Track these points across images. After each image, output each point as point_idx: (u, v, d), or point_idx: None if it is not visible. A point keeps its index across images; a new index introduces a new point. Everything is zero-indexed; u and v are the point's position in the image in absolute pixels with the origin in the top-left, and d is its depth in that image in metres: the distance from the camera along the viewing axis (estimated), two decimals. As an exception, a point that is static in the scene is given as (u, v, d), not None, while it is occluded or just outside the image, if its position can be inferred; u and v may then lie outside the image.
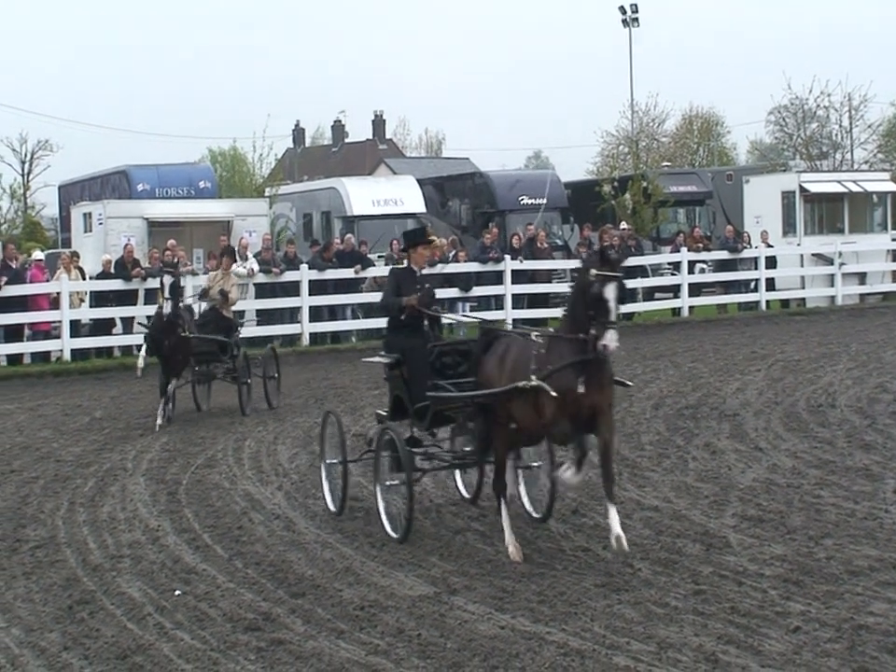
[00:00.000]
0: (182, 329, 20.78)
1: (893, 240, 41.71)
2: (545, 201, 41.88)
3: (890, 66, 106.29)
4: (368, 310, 32.66)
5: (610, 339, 10.70)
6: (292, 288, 31.77)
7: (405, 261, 14.15)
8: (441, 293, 32.93)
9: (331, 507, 13.86)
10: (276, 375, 22.84)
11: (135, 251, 32.03)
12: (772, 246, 38.48)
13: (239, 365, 21.90)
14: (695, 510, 13.39)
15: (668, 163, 66.33)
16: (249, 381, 22.02)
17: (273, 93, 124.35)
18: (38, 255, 33.06)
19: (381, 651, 9.33)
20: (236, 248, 31.82)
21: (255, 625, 9.99)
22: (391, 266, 14.96)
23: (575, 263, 34.96)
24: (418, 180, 42.44)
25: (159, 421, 20.22)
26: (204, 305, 22.89)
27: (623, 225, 40.20)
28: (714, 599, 10.21)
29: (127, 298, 30.51)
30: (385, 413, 13.83)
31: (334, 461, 14.00)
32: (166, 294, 20.56)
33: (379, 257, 35.16)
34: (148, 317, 23.32)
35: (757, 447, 16.66)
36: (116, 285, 30.64)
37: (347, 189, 40.53)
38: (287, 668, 9.02)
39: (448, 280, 33.00)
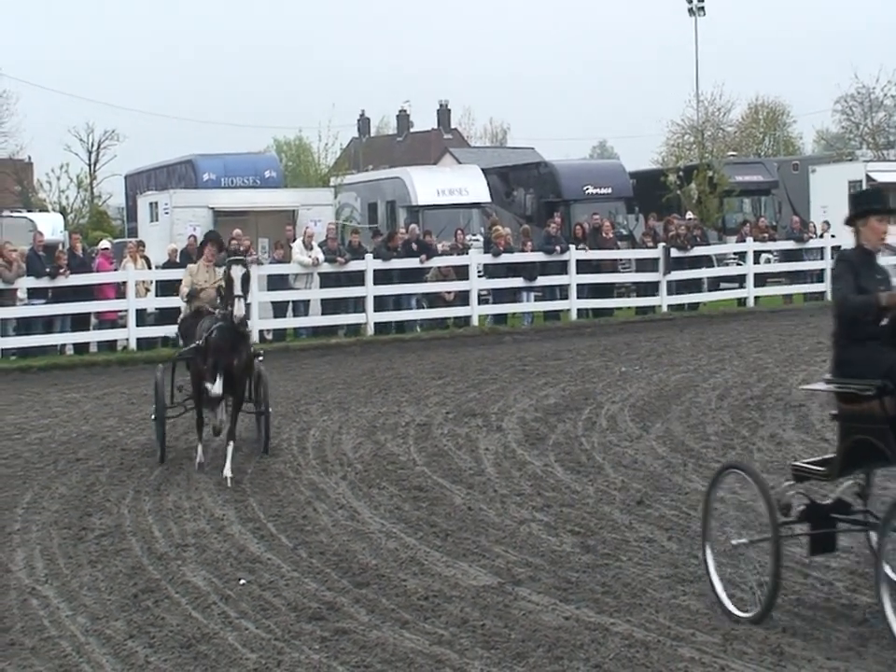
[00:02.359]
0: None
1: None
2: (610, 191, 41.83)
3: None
4: (432, 300, 32.71)
5: None
6: (357, 278, 31.82)
7: (854, 239, 9.96)
8: (506, 283, 33.07)
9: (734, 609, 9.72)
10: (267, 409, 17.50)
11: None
12: (833, 237, 38.13)
13: (261, 392, 17.42)
14: (761, 501, 13.26)
15: (734, 153, 66.01)
16: (270, 409, 17.57)
17: (338, 83, 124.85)
18: (105, 244, 33.32)
19: (445, 641, 9.33)
20: (302, 237, 32.02)
21: (319, 615, 10.01)
22: (840, 249, 9.55)
23: (641, 253, 35.15)
24: (483, 170, 42.45)
25: (199, 459, 16.37)
26: (185, 309, 18.37)
27: (689, 215, 40.02)
28: (781, 591, 10.12)
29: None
30: (822, 469, 9.92)
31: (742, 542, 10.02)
32: (237, 290, 15.64)
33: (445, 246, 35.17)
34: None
35: (822, 438, 16.52)
36: (181, 274, 30.75)
37: (412, 179, 40.58)
38: (351, 658, 9.03)
39: (513, 270, 33.00)
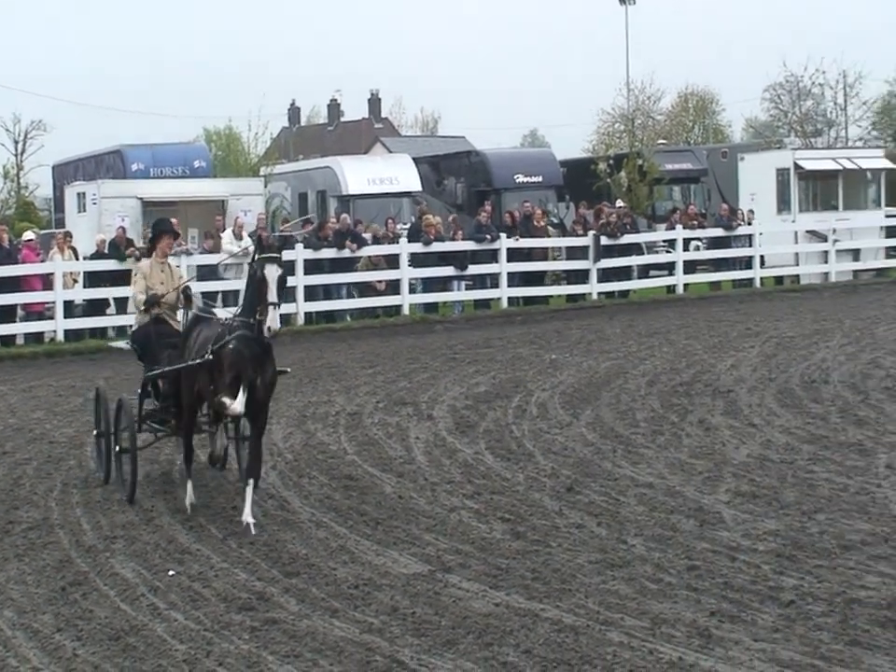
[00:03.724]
0: None
1: (887, 216, 41.72)
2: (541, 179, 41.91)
3: (885, 44, 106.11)
4: (363, 289, 32.62)
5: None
6: (287, 267, 31.61)
7: None
8: (437, 272, 33.06)
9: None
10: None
11: (129, 231, 31.95)
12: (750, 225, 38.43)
13: None
14: (689, 486, 13.41)
15: (664, 141, 66.27)
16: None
17: (268, 73, 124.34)
18: (29, 235, 32.95)
19: (375, 629, 9.34)
20: (232, 227, 31.84)
21: (248, 605, 9.99)
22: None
23: (571, 241, 35.30)
24: (414, 159, 42.38)
25: (190, 499, 13.53)
26: (139, 317, 15.29)
27: (619, 203, 40.17)
28: (707, 575, 10.23)
29: (121, 278, 30.40)
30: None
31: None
32: (272, 296, 12.48)
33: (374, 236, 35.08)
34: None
35: (751, 423, 16.67)
36: (109, 265, 30.54)
37: (343, 168, 40.47)
38: (281, 647, 9.01)
39: (443, 259, 32.99)
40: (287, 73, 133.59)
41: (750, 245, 37.83)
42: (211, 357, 12.85)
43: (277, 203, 43.04)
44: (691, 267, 37.33)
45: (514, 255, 33.85)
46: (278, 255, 12.85)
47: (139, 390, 14.79)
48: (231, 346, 12.71)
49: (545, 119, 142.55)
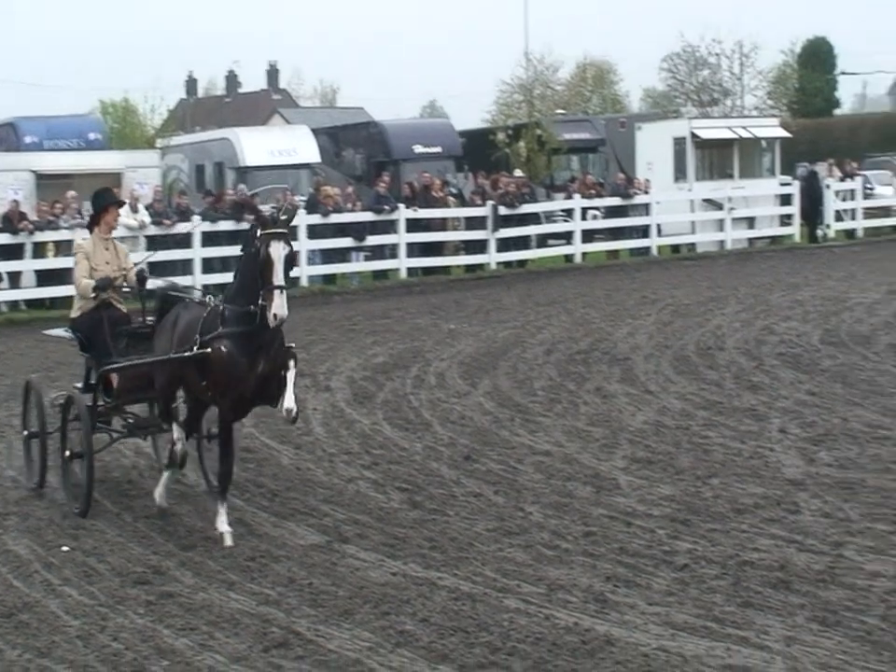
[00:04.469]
0: None
1: (781, 185, 42.21)
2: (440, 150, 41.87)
3: (780, 14, 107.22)
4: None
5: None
6: (184, 240, 31.40)
7: None
8: (335, 243, 32.95)
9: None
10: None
11: (23, 204, 31.49)
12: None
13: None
14: (586, 453, 13.50)
15: (562, 111, 66.43)
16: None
17: (165, 44, 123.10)
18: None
19: (272, 600, 9.32)
20: (128, 200, 31.53)
21: (144, 579, 9.93)
22: None
23: (470, 211, 35.32)
24: (312, 130, 42.14)
25: (163, 503, 12.05)
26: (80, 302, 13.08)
27: (518, 172, 40.23)
28: (603, 540, 10.32)
29: (13, 252, 30.01)
30: None
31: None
32: (278, 278, 10.77)
33: (273, 207, 34.83)
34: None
35: (647, 390, 16.81)
36: (2, 239, 30.11)
37: (240, 140, 40.13)
38: (177, 621, 8.97)
39: (342, 230, 32.88)
40: (184, 44, 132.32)
41: (647, 214, 38.07)
42: (197, 350, 11.24)
43: (174, 176, 42.62)
44: (588, 236, 37.47)
45: (413, 225, 33.80)
46: (285, 230, 11.07)
47: (80, 385, 13.02)
48: (224, 349, 11.06)
49: (444, 89, 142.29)
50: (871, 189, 44.84)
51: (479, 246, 34.97)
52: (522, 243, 36.09)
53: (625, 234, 38.27)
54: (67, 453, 12.40)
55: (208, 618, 9.01)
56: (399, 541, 10.60)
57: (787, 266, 33.92)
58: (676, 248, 39.52)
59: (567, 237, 37.38)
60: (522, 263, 35.96)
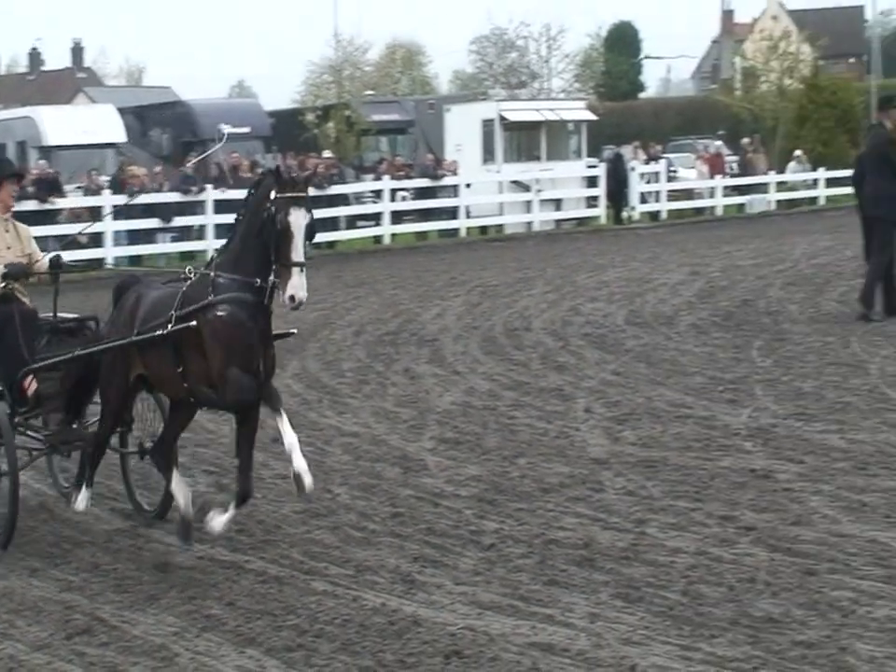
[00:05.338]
0: None
1: (588, 167, 42.85)
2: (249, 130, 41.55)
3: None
4: (68, 243, 31.80)
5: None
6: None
7: None
8: (142, 224, 32.49)
9: None
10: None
11: None
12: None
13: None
14: (394, 434, 13.53)
15: (371, 92, 66.46)
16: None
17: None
18: None
19: (75, 587, 9.18)
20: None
21: (-59, 568, 9.70)
22: None
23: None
24: (118, 109, 41.54)
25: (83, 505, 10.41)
26: None
27: (327, 153, 40.14)
28: (411, 521, 10.35)
29: None
30: None
31: None
32: (296, 253, 9.09)
33: (77, 188, 34.26)
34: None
35: (455, 371, 16.91)
36: None
37: (43, 118, 39.39)
38: (-24, 610, 8.78)
39: (148, 210, 32.43)
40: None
41: (456, 196, 38.31)
42: (177, 325, 9.31)
43: (-26, 154, 41.62)
44: (397, 217, 37.60)
45: (221, 206, 33.48)
46: (306, 193, 9.21)
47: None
48: (221, 313, 9.19)
49: (253, 69, 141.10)
50: (674, 171, 45.79)
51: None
52: (330, 224, 36.01)
53: (434, 216, 38.48)
54: None
55: (9, 605, 8.85)
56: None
57: (593, 248, 34.42)
58: (484, 230, 39.84)
59: (375, 218, 37.44)
60: (331, 244, 35.90)
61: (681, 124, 62.76)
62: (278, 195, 9.00)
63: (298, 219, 8.93)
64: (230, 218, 31.94)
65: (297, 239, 8.94)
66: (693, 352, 17.62)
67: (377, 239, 37.16)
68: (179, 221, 33.14)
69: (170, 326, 9.32)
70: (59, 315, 11.11)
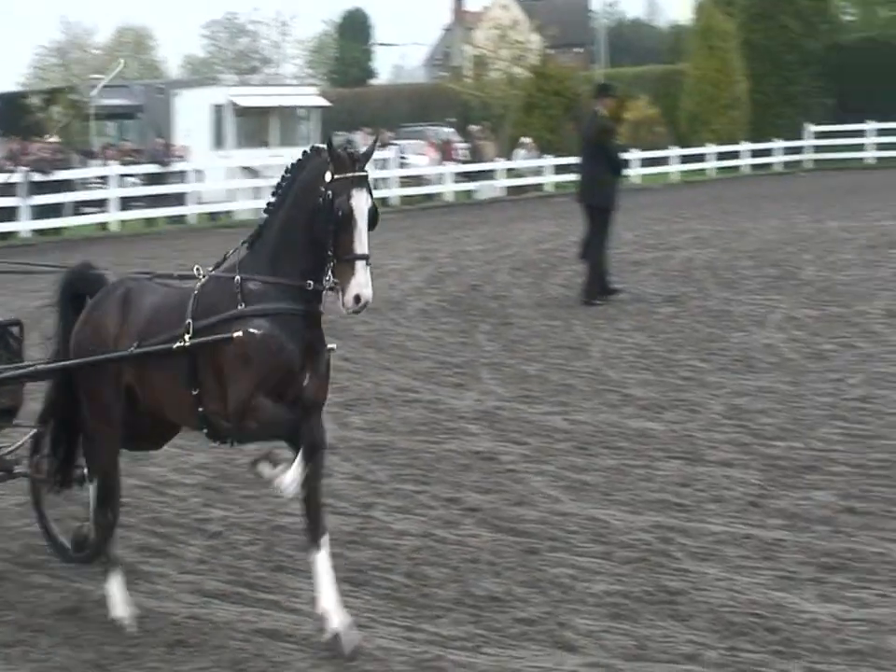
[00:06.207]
0: None
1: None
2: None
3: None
4: None
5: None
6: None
7: None
8: None
9: None
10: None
11: None
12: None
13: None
14: (120, 423, 13.29)
15: (99, 76, 65.32)
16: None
17: None
18: None
19: None
20: None
21: None
22: None
23: (1, 178, 34.16)
24: None
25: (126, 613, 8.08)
26: None
27: (52, 138, 39.28)
28: (136, 511, 10.19)
29: None
30: None
31: None
32: (360, 244, 7.20)
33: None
34: None
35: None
36: None
37: None
38: None
39: None
40: None
41: (185, 182, 37.90)
42: (189, 341, 7.40)
43: None
44: (125, 204, 36.99)
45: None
46: (367, 174, 7.42)
47: None
48: (256, 332, 7.23)
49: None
50: (405, 158, 46.15)
51: (10, 214, 33.90)
52: (56, 210, 35.26)
53: (163, 202, 37.96)
54: None
55: None
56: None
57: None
58: (213, 216, 39.50)
59: (102, 205, 36.77)
60: (57, 231, 35.13)
61: (413, 111, 63.32)
62: (337, 176, 7.30)
63: (361, 203, 7.28)
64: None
65: (361, 226, 7.27)
66: (421, 337, 17.82)
67: (103, 226, 36.48)
68: None
69: (187, 337, 7.46)
70: None
